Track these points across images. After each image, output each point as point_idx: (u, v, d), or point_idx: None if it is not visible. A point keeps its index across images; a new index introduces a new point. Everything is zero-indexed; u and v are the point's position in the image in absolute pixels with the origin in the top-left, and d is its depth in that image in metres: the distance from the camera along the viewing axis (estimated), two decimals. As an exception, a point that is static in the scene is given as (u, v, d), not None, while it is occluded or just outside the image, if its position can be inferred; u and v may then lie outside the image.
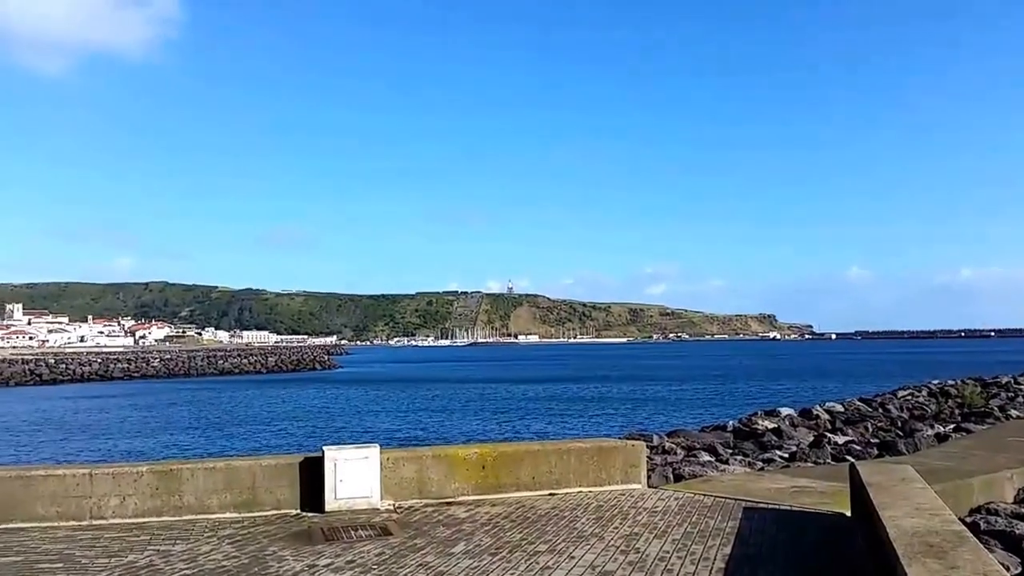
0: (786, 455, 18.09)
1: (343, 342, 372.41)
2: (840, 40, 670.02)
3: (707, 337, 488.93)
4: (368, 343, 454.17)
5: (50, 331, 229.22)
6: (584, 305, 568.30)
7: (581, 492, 10.89)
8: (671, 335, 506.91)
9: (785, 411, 27.04)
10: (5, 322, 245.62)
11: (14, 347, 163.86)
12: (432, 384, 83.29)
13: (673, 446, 20.47)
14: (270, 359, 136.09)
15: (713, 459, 17.42)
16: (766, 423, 24.07)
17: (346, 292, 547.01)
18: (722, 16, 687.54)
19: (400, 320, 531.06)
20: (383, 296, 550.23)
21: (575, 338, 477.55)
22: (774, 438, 21.13)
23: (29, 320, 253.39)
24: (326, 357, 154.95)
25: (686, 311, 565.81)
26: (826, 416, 25.64)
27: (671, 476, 15.88)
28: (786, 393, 57.89)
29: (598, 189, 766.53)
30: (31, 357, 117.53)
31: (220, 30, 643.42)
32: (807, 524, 9.06)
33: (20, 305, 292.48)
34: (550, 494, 10.73)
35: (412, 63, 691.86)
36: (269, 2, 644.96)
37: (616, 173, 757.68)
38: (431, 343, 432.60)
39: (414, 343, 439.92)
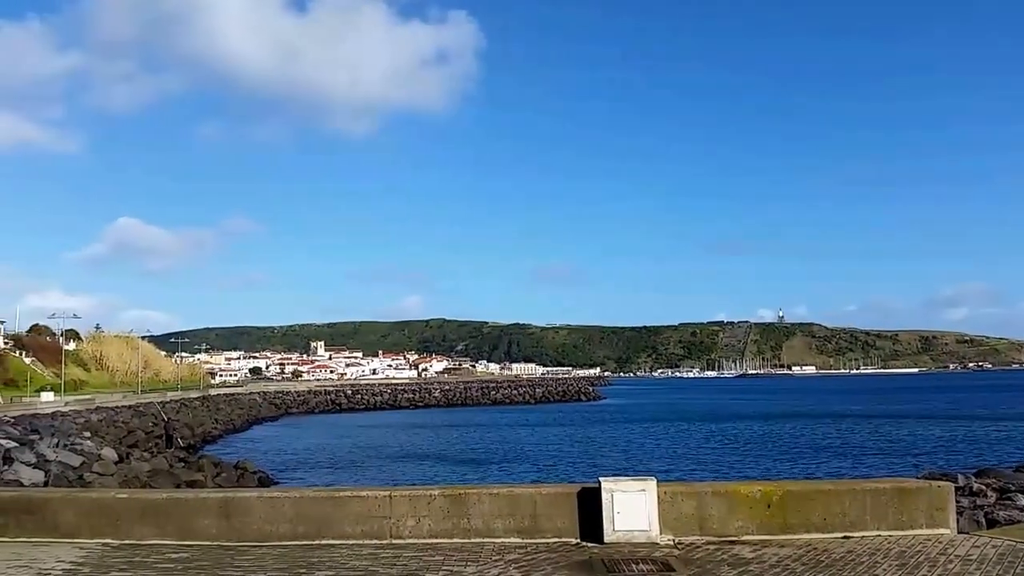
0: None
1: (606, 374, 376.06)
2: None
3: (1015, 366, 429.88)
4: (631, 375, 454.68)
5: (347, 365, 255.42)
6: (867, 333, 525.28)
7: (879, 536, 9.86)
8: (971, 365, 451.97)
9: None
10: (311, 357, 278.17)
11: (318, 380, 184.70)
12: (704, 416, 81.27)
13: (982, 487, 18.29)
14: (538, 390, 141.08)
15: (1036, 504, 15.20)
16: (1102, 465, 20.63)
17: (608, 324, 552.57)
18: None
19: (663, 351, 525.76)
20: (645, 328, 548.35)
21: (857, 369, 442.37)
22: (1113, 482, 18.07)
23: (330, 355, 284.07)
24: (590, 388, 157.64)
25: (988, 338, 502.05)
26: None
27: (983, 521, 14.07)
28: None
29: (889, 205, 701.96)
30: (332, 388, 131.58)
31: (512, 82, 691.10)
32: None
33: (322, 342, 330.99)
34: (844, 537, 9.84)
35: (687, 113, 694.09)
36: (552, 56, 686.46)
37: (911, 186, 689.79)
38: (696, 374, 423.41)
39: (679, 375, 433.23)
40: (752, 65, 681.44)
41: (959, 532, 10.29)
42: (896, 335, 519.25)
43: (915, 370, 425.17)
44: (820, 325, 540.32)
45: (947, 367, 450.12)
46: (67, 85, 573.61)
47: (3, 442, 29.62)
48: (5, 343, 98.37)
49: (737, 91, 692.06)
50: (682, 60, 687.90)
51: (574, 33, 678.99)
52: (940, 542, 9.52)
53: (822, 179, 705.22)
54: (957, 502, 12.70)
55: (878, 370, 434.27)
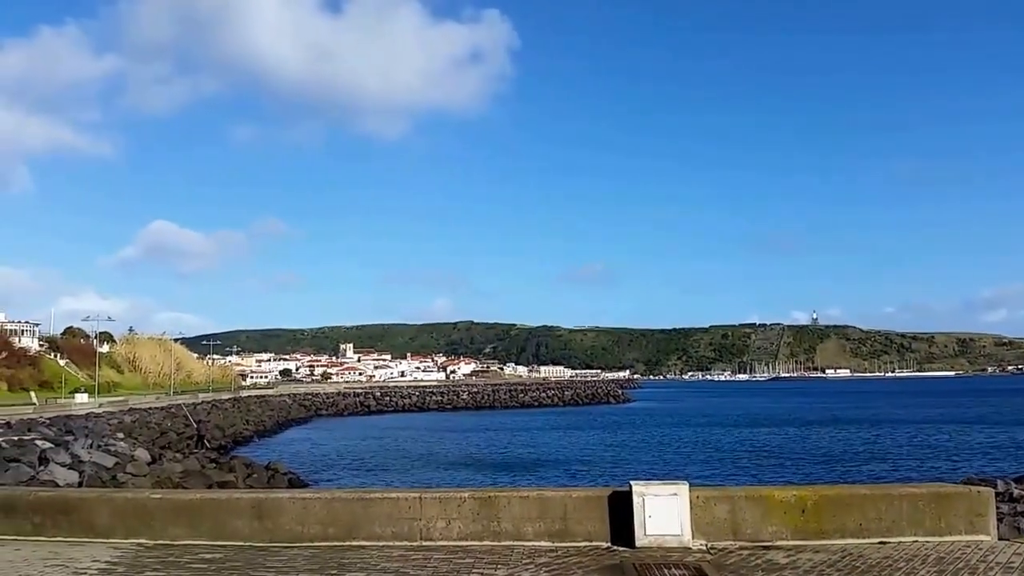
0: None
1: (636, 376, 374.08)
2: None
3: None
4: (661, 377, 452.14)
5: (376, 367, 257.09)
6: (902, 336, 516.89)
7: (917, 542, 9.67)
8: (1010, 368, 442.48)
9: None
10: (340, 360, 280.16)
11: (347, 382, 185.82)
12: (737, 420, 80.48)
13: (1023, 493, 17.85)
14: (566, 393, 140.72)
15: (1081, 512, 14.81)
16: None
17: (638, 326, 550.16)
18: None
19: (693, 354, 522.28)
20: (675, 330, 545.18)
21: (892, 372, 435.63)
22: None
23: (359, 358, 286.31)
24: (619, 391, 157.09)
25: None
26: None
27: (1025, 529, 13.73)
28: None
29: (926, 205, 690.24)
30: (361, 390, 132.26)
31: (545, 82, 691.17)
32: None
33: (351, 345, 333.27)
34: (880, 543, 9.66)
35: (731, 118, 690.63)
36: (586, 56, 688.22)
37: (948, 186, 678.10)
38: (728, 377, 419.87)
39: (709, 377, 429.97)
40: (786, 64, 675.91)
41: (999, 539, 10.07)
42: (932, 337, 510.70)
43: (951, 373, 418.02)
44: (854, 327, 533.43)
45: (985, 370, 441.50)
46: (103, 88, 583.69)
47: (39, 443, 30.13)
48: (40, 345, 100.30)
49: (768, 91, 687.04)
50: (717, 59, 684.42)
51: (608, 32, 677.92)
52: (980, 549, 9.33)
53: (857, 179, 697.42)
54: (997, 508, 12.41)
55: (913, 373, 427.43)
